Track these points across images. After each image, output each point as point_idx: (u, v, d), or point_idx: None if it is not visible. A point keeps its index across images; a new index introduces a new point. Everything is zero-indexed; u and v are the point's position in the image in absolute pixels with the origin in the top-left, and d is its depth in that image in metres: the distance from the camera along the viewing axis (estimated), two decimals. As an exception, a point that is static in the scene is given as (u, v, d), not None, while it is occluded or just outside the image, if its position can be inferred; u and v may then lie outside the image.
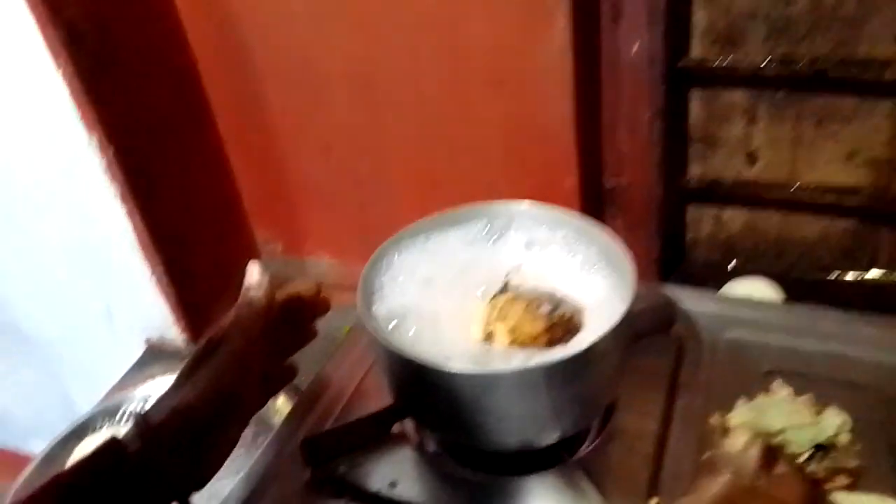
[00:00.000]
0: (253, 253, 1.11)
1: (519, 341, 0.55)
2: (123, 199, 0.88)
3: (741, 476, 0.43)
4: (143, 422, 0.48)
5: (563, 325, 0.55)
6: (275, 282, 0.55)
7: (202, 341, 0.52)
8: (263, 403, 0.57)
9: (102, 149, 0.84)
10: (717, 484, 0.42)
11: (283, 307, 0.57)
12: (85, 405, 1.21)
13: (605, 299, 0.57)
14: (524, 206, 0.65)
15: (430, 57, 0.83)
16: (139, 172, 0.88)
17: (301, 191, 1.03)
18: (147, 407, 0.90)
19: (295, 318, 0.59)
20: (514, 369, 0.51)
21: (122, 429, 0.90)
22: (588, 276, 0.60)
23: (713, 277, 0.96)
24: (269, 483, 0.60)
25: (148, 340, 1.04)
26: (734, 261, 1.01)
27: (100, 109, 0.82)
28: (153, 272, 0.95)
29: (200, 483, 0.51)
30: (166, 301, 0.98)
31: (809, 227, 0.94)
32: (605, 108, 0.88)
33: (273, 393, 0.59)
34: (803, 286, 0.96)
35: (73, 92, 0.80)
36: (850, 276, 0.96)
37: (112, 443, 0.47)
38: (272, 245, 1.11)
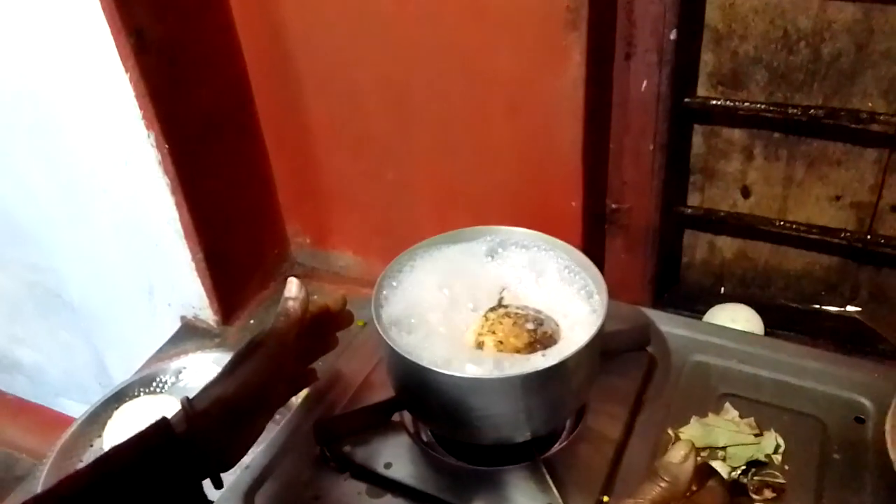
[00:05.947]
0: (283, 244, 1.19)
1: (504, 352, 0.63)
2: (173, 190, 0.97)
3: (676, 484, 0.49)
4: (189, 407, 0.55)
5: (543, 341, 0.64)
6: (309, 296, 0.62)
7: (245, 343, 0.60)
8: (287, 400, 0.65)
9: (158, 145, 0.94)
10: (655, 489, 0.49)
11: (313, 318, 0.65)
12: (117, 372, 1.30)
13: (583, 322, 0.65)
14: (523, 232, 0.74)
15: (457, 79, 0.89)
16: (189, 167, 0.97)
17: (331, 191, 1.10)
18: (183, 384, 0.99)
19: (322, 328, 0.67)
20: (496, 376, 0.60)
21: (156, 398, 0.98)
22: (571, 300, 0.68)
23: (704, 300, 1.03)
24: (285, 455, 0.70)
25: (183, 318, 1.12)
26: (724, 286, 1.07)
27: (159, 110, 0.91)
28: (193, 257, 1.03)
29: (231, 463, 0.58)
30: (203, 283, 1.06)
31: (795, 260, 1.00)
32: (612, 138, 0.94)
33: (296, 392, 0.68)
34: (786, 315, 1.02)
35: (138, 94, 0.90)
36: (830, 308, 1.02)
37: (162, 422, 0.54)
38: (301, 238, 1.19)
